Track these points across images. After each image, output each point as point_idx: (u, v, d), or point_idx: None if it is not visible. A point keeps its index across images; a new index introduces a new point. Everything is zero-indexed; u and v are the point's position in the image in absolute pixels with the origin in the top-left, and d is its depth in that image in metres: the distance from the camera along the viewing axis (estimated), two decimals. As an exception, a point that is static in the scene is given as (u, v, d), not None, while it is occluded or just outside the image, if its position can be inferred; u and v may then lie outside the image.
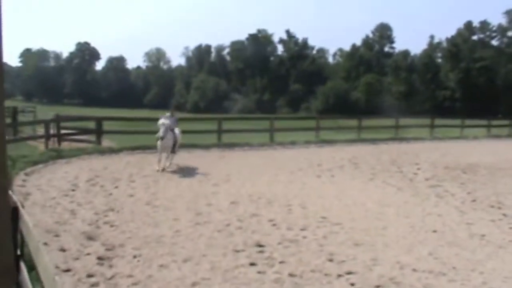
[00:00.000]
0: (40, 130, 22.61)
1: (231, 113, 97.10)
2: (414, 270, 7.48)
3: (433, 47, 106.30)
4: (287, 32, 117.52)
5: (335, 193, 13.21)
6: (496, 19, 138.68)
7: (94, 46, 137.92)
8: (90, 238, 8.50)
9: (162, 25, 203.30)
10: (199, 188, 13.26)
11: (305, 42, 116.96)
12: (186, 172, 15.46)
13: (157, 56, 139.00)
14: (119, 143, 21.07)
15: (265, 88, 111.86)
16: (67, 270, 6.95)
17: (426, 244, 8.87)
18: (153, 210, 10.74)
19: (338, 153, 21.34)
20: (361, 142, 25.77)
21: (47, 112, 32.65)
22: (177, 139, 16.40)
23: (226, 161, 18.41)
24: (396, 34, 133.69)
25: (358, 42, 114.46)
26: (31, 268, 4.73)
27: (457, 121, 34.34)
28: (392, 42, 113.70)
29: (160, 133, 15.44)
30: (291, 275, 7.13)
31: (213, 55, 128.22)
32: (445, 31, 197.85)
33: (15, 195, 5.68)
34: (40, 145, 19.41)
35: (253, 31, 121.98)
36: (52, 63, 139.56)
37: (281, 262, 7.63)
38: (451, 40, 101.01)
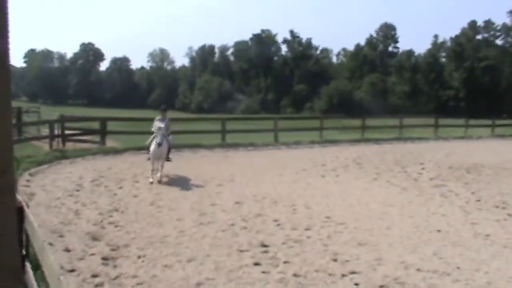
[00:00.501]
0: (45, 131, 22.65)
1: (235, 113, 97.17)
2: (419, 270, 7.47)
3: (437, 46, 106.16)
4: (291, 32, 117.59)
5: (339, 193, 13.21)
6: (501, 19, 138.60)
7: (98, 46, 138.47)
8: (95, 238, 8.52)
9: (165, 26, 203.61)
10: (203, 188, 13.27)
11: (309, 42, 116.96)
12: (190, 172, 15.45)
13: (161, 57, 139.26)
14: (123, 143, 21.11)
15: (269, 88, 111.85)
16: (72, 270, 6.97)
17: (430, 244, 8.85)
18: (157, 210, 10.76)
19: (342, 153, 21.32)
20: (365, 142, 25.75)
21: (51, 112, 32.74)
22: (171, 144, 15.19)
23: (230, 161, 18.43)
24: (400, 33, 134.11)
25: (362, 42, 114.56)
26: (36, 268, 4.75)
27: (461, 121, 34.29)
28: (396, 41, 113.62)
29: (158, 140, 13.77)
30: (295, 275, 7.13)
31: (217, 55, 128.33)
32: (449, 31, 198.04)
33: (20, 195, 5.71)
34: (44, 146, 19.45)
35: (257, 31, 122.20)
36: (56, 63, 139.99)
37: (285, 262, 7.63)
38: (455, 40, 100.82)
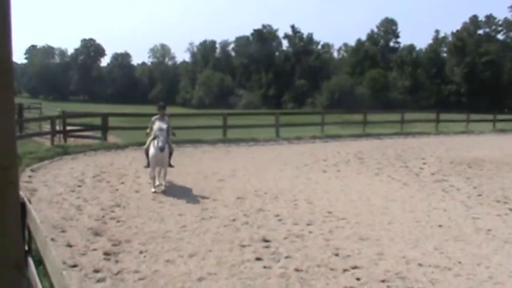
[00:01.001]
0: (46, 127, 22.72)
1: (236, 109, 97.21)
2: (420, 264, 7.48)
3: (438, 41, 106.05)
4: (292, 27, 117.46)
5: (341, 188, 13.22)
6: (502, 13, 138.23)
7: (99, 42, 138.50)
8: (97, 233, 8.54)
9: (167, 21, 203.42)
10: (204, 183, 13.28)
11: (310, 37, 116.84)
12: (191, 168, 15.46)
13: (162, 52, 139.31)
14: (124, 139, 21.13)
15: (270, 84, 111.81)
16: (74, 266, 6.98)
17: (431, 238, 8.86)
18: (159, 205, 10.78)
19: (343, 148, 21.33)
20: (367, 137, 25.77)
21: (53, 108, 32.72)
22: (172, 148, 13.18)
23: (231, 156, 18.44)
24: (401, 28, 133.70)
25: (363, 37, 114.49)
26: (39, 263, 4.77)
27: (463, 116, 34.22)
28: (397, 36, 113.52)
29: (160, 143, 11.68)
30: (297, 270, 7.14)
31: (218, 50, 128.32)
32: (451, 25, 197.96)
33: (22, 191, 5.72)
34: (46, 142, 19.49)
35: (258, 26, 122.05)
36: (57, 59, 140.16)
37: (287, 257, 7.64)
38: (457, 35, 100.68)
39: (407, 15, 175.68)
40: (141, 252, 7.69)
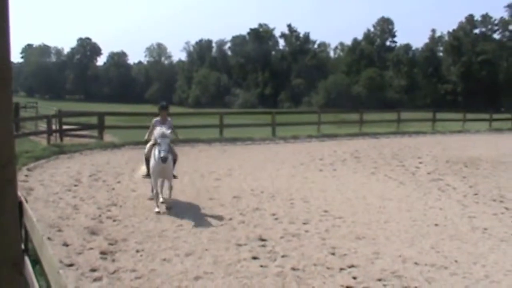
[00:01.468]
0: (42, 126, 22.67)
1: (232, 108, 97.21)
2: (416, 263, 7.49)
3: (434, 40, 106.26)
4: (289, 26, 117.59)
5: (337, 187, 13.23)
6: (498, 13, 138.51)
7: (95, 41, 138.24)
8: (93, 232, 8.52)
9: (163, 20, 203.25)
10: (201, 182, 13.28)
11: (306, 36, 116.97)
12: (188, 167, 15.44)
13: (158, 51, 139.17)
14: (121, 138, 21.12)
15: (267, 83, 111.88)
16: (71, 265, 6.98)
17: (428, 237, 8.88)
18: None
19: (340, 147, 21.35)
20: (363, 136, 25.78)
21: (49, 107, 32.64)
22: (177, 154, 11.05)
23: (228, 155, 18.44)
24: (398, 28, 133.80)
25: (360, 36, 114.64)
26: (35, 262, 4.77)
27: (459, 115, 34.30)
28: (393, 36, 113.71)
29: (162, 152, 9.80)
30: (293, 269, 7.15)
31: (214, 50, 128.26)
32: (447, 25, 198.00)
33: (18, 190, 5.71)
34: (42, 141, 19.46)
35: (255, 25, 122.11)
36: (53, 58, 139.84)
37: (283, 256, 7.65)
38: (453, 34, 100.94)
39: (403, 15, 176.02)
40: (137, 251, 7.68)
